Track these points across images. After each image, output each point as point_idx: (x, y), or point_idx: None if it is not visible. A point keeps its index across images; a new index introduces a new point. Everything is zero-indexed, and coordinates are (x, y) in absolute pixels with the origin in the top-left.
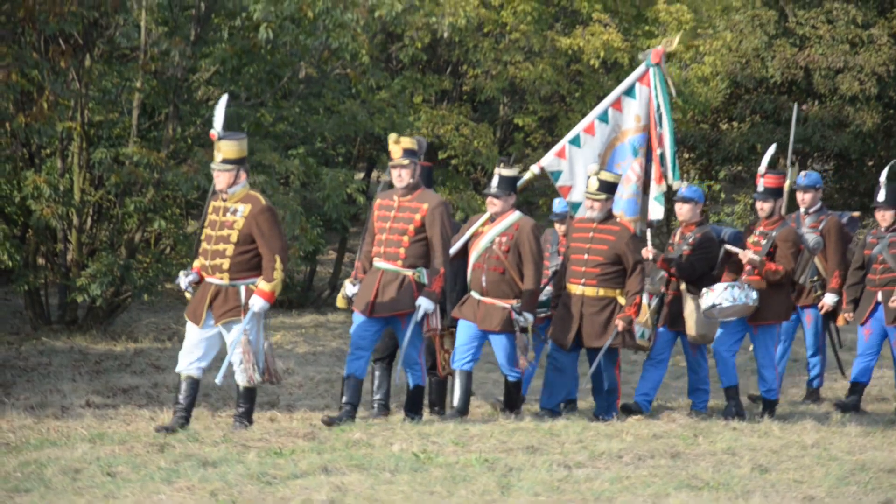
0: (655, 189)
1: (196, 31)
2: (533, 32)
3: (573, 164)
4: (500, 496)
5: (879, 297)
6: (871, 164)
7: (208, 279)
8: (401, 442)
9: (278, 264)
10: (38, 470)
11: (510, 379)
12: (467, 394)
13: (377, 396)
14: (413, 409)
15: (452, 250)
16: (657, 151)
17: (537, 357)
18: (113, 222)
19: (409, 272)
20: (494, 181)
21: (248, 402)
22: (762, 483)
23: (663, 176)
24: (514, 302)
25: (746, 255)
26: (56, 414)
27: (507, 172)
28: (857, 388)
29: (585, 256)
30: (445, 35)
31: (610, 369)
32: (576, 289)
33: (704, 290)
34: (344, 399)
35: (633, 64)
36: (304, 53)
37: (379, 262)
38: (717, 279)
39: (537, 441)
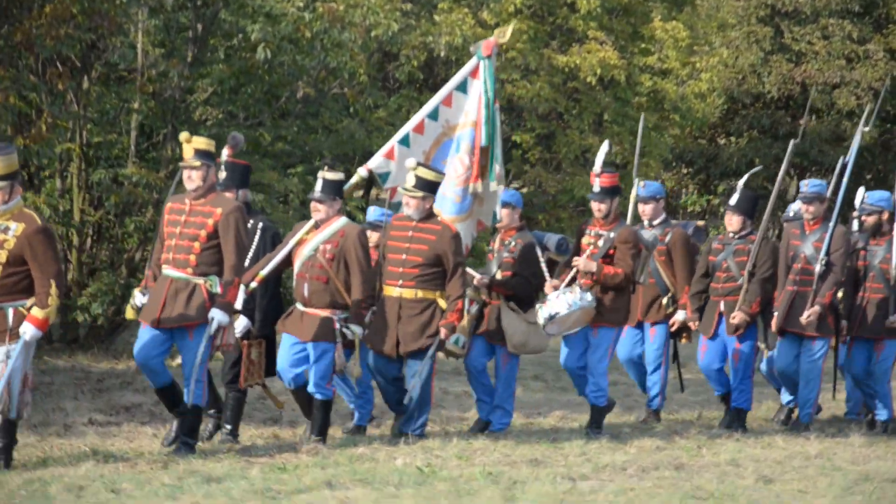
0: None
1: (193, 52)
2: (529, 51)
3: (402, 165)
4: None
5: (722, 307)
6: (869, 177)
7: None
8: (404, 456)
9: (53, 289)
10: (43, 488)
11: (318, 397)
12: (307, 409)
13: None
14: (189, 433)
15: (275, 260)
16: (481, 148)
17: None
18: (113, 242)
19: (200, 280)
20: (318, 185)
21: (6, 436)
22: (766, 494)
23: (485, 173)
24: (339, 312)
25: (582, 263)
26: (59, 432)
27: (331, 176)
28: (723, 398)
29: (404, 256)
30: (442, 54)
31: (426, 378)
32: (392, 291)
33: (537, 304)
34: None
35: (630, 81)
36: (301, 73)
37: (168, 270)
38: (541, 287)
39: (541, 454)
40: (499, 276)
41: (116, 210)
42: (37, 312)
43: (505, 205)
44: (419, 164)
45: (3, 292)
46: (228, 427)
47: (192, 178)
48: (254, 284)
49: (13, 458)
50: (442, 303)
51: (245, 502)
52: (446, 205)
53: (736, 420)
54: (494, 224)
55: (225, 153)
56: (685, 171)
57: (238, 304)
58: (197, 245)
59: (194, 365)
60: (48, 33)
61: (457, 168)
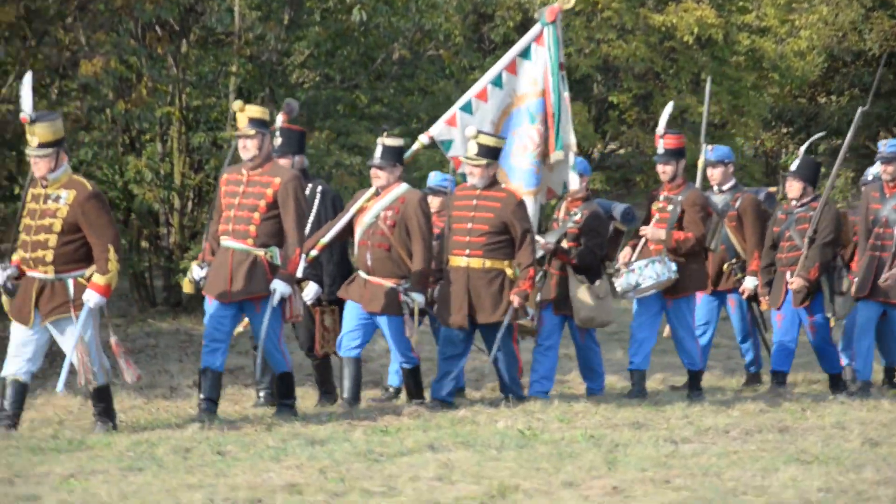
0: (573, 158)
1: (289, 14)
2: (625, 10)
3: (465, 132)
4: (607, 472)
5: (788, 277)
6: None
7: (30, 273)
8: (505, 419)
9: (112, 254)
10: (150, 449)
11: (405, 366)
12: (356, 382)
13: (261, 385)
14: (284, 394)
15: (336, 228)
16: (552, 117)
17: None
18: (213, 205)
19: (260, 252)
20: (378, 151)
21: (102, 400)
22: (873, 457)
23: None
24: (402, 281)
25: (650, 232)
26: (165, 394)
27: (391, 142)
28: (779, 377)
29: (469, 226)
30: (537, 15)
31: (507, 343)
32: (459, 261)
33: (622, 268)
34: (202, 395)
35: (728, 39)
36: (397, 35)
37: (228, 241)
38: (608, 257)
39: (643, 417)
40: (564, 245)
41: (216, 173)
42: (98, 279)
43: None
44: (480, 131)
45: (61, 262)
46: (323, 389)
47: (247, 148)
48: (314, 252)
49: (116, 418)
50: (510, 272)
51: (348, 464)
52: (526, 177)
53: (834, 386)
54: (564, 194)
55: (279, 120)
56: (785, 130)
57: (299, 273)
58: (257, 216)
59: (262, 337)
60: None
61: (533, 138)
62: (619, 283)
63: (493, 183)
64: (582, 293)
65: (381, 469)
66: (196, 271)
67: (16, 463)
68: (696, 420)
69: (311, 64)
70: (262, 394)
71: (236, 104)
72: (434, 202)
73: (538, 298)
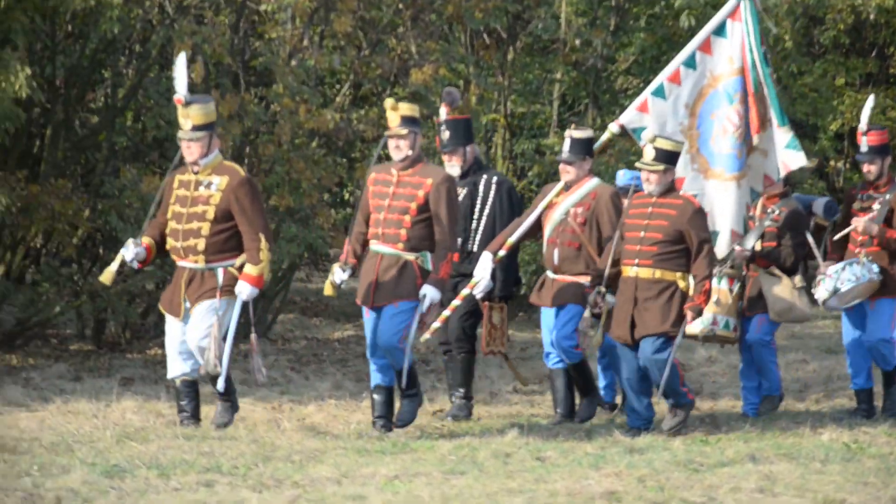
0: (782, 136)
1: (616, 20)
2: None
3: (659, 118)
4: None
5: None
6: None
7: (180, 262)
8: (830, 431)
9: (263, 243)
10: (471, 453)
11: (570, 360)
12: (572, 395)
13: (457, 392)
14: (410, 385)
15: (525, 225)
16: (754, 96)
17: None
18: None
19: (411, 256)
20: (566, 145)
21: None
22: None
23: (766, 123)
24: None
25: (862, 224)
26: (486, 399)
27: (579, 135)
28: None
29: (642, 234)
30: (871, 17)
31: (671, 364)
32: (629, 271)
33: (819, 277)
34: (375, 413)
35: None
36: None
37: (377, 245)
38: (809, 255)
39: None
40: (758, 246)
41: (539, 180)
42: (250, 269)
43: None
44: (657, 135)
45: (212, 251)
46: (461, 391)
47: (400, 148)
48: (502, 253)
49: (200, 415)
50: (682, 284)
51: (667, 473)
52: (728, 161)
53: None
54: (777, 179)
55: (443, 112)
56: None
57: (486, 273)
58: (407, 218)
59: (388, 338)
60: (477, 6)
61: (732, 119)
62: (818, 293)
63: (669, 189)
64: (777, 287)
65: (701, 479)
66: (338, 274)
67: (343, 463)
68: None
69: (635, 70)
70: (454, 399)
71: (388, 102)
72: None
73: (742, 305)
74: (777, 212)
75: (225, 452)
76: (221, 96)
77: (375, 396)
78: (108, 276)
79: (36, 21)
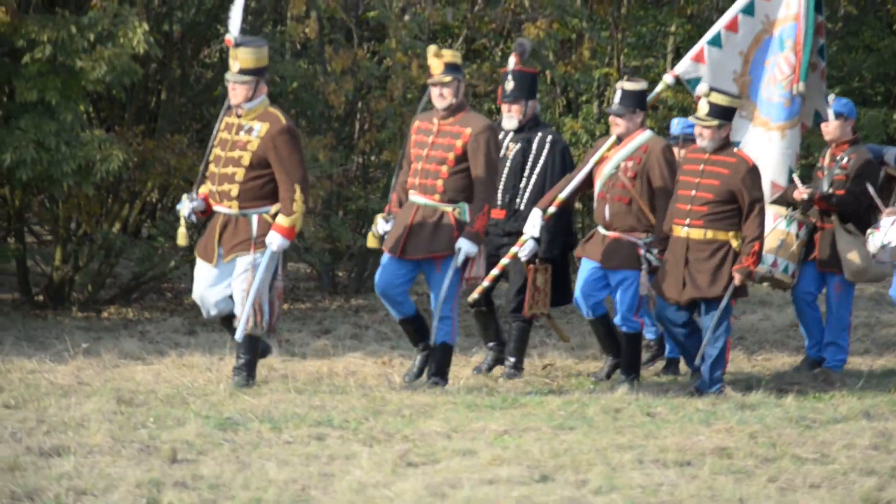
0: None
1: None
2: None
3: (715, 68)
4: None
5: None
6: None
7: (216, 207)
8: None
9: (298, 195)
10: (581, 409)
11: (624, 330)
12: (611, 340)
13: (492, 345)
14: (439, 372)
15: (576, 181)
16: (800, 44)
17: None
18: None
19: (448, 208)
20: (616, 97)
21: (248, 352)
22: None
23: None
24: (644, 236)
25: None
26: (595, 355)
27: (630, 86)
28: None
29: (693, 192)
30: None
31: (722, 336)
32: (680, 230)
33: (869, 230)
34: (419, 347)
35: None
36: None
37: (414, 196)
38: (876, 211)
39: None
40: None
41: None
42: (282, 220)
43: (836, 115)
44: (712, 88)
45: (246, 198)
46: (512, 360)
47: (443, 96)
48: (552, 209)
49: (256, 375)
50: (735, 244)
51: (779, 429)
52: (775, 111)
53: None
54: (818, 124)
55: (511, 62)
56: None
57: (535, 231)
58: (445, 169)
59: (440, 300)
60: None
61: (783, 68)
62: (869, 244)
63: (724, 146)
64: (852, 245)
65: (814, 436)
66: (381, 225)
67: (453, 418)
68: None
69: None
70: (489, 357)
71: (431, 48)
72: (679, 153)
73: (802, 252)
74: (847, 159)
75: (336, 406)
76: (335, 51)
77: (403, 328)
78: (181, 237)
79: None
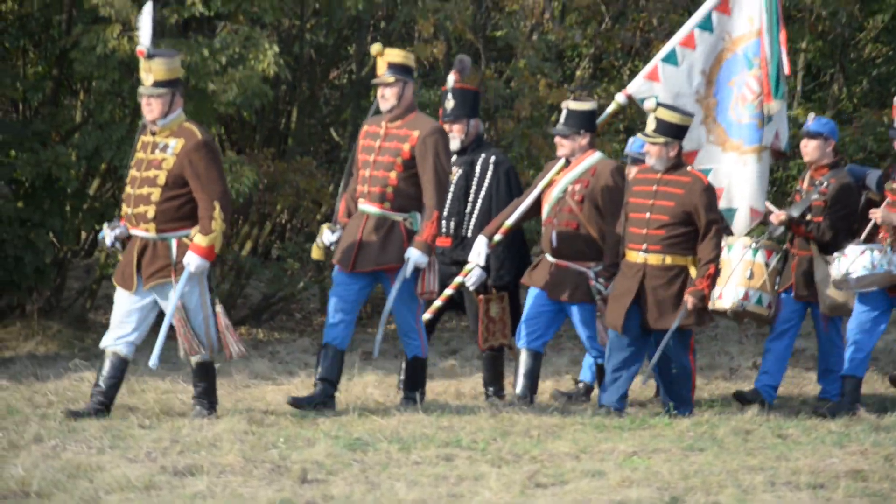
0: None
1: None
2: None
3: (671, 87)
4: None
5: None
6: None
7: (133, 231)
8: None
9: (217, 212)
10: (711, 430)
11: (598, 361)
12: (532, 378)
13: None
14: (411, 386)
15: (523, 206)
16: (764, 61)
17: None
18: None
19: (399, 217)
20: (562, 117)
21: (203, 379)
22: None
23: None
24: (593, 265)
25: (881, 214)
26: (724, 375)
27: (575, 106)
28: None
29: (648, 215)
30: None
31: (681, 355)
32: (636, 256)
33: (836, 254)
34: (318, 374)
35: None
36: None
37: (364, 205)
38: (857, 233)
39: None
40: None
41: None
42: (199, 240)
43: (814, 136)
44: (660, 104)
45: (164, 219)
46: (491, 389)
47: (385, 97)
48: (498, 237)
49: (217, 401)
50: (693, 270)
51: None
52: (747, 132)
53: None
54: (788, 150)
55: (451, 79)
56: None
57: (481, 259)
58: (393, 175)
59: (385, 311)
60: None
61: (752, 86)
62: (832, 270)
63: (676, 165)
64: (826, 278)
65: None
66: (326, 235)
67: (582, 439)
68: None
69: (884, 38)
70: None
71: (374, 47)
72: (632, 172)
73: (777, 281)
74: (825, 184)
75: (464, 427)
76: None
77: (324, 356)
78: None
79: (284, 0)
